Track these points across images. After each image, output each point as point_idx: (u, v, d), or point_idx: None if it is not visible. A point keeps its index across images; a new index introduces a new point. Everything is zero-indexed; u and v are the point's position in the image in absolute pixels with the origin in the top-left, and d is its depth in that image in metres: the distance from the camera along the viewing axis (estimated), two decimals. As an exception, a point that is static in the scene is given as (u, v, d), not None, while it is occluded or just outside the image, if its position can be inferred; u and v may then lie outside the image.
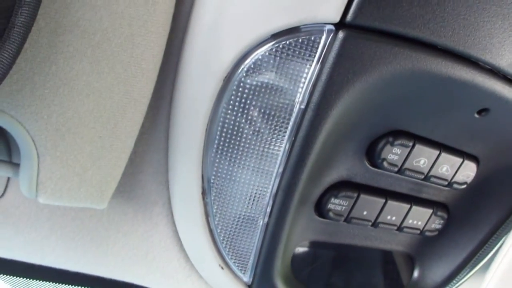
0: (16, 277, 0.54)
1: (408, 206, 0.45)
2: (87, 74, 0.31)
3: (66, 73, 0.31)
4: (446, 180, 0.44)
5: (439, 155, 0.42)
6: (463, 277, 0.52)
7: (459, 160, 0.43)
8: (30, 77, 0.30)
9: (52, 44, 0.29)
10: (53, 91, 0.31)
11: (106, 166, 0.36)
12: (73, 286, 0.56)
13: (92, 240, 0.44)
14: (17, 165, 0.36)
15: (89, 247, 0.44)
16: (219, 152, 0.37)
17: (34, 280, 0.56)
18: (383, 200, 0.44)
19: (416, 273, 0.53)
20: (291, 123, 0.35)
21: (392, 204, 0.44)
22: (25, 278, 0.55)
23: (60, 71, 0.30)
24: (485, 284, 0.52)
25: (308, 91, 0.33)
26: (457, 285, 0.53)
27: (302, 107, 0.34)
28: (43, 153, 0.33)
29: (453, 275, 0.52)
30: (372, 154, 0.41)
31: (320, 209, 0.43)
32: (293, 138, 0.35)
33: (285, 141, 0.36)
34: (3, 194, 0.41)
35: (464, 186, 0.46)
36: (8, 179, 0.41)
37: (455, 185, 0.45)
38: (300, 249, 0.47)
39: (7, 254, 0.45)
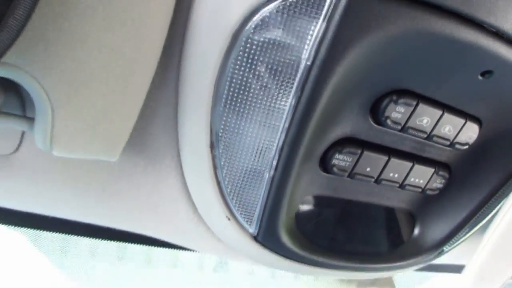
0: (29, 228, 0.56)
1: (411, 164, 0.47)
2: (99, 30, 0.32)
3: (79, 29, 0.32)
4: (448, 140, 0.45)
5: (442, 115, 0.42)
6: (462, 236, 0.54)
7: (462, 121, 0.44)
8: (44, 34, 0.31)
9: (64, 1, 0.30)
10: (66, 47, 0.32)
11: (117, 119, 0.37)
12: (84, 236, 0.59)
13: (104, 192, 0.45)
14: (31, 119, 0.37)
15: (101, 199, 0.46)
16: (227, 106, 0.38)
17: (47, 232, 0.58)
18: (386, 157, 0.45)
19: (416, 231, 0.55)
20: (297, 79, 0.36)
21: (394, 161, 0.45)
22: (37, 230, 0.57)
23: (73, 28, 0.31)
24: (483, 244, 0.54)
25: (314, 48, 0.34)
26: (456, 243, 0.55)
27: (308, 63, 0.35)
28: (57, 107, 0.34)
29: (452, 234, 0.53)
30: (376, 112, 0.42)
31: (325, 164, 0.44)
32: (299, 94, 0.36)
33: (291, 97, 0.37)
34: (17, 149, 0.42)
35: (466, 147, 0.47)
36: (22, 134, 0.43)
37: (457, 146, 0.46)
38: (305, 205, 0.49)
39: (21, 207, 0.47)
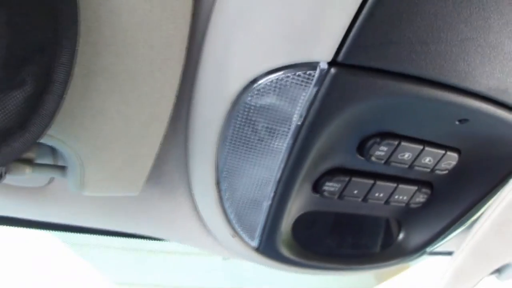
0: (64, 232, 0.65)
1: (395, 185, 0.52)
2: (117, 104, 0.38)
3: (99, 105, 0.37)
4: (428, 168, 0.50)
5: (422, 149, 0.47)
6: (443, 240, 0.60)
7: (442, 152, 0.49)
8: (71, 111, 0.37)
9: (86, 84, 0.36)
10: (90, 119, 0.38)
11: (137, 165, 0.43)
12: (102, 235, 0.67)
13: (127, 213, 0.53)
14: (63, 168, 0.44)
15: (125, 218, 0.53)
16: (230, 152, 0.44)
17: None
18: (372, 182, 0.51)
19: (401, 235, 0.61)
20: (290, 134, 0.41)
21: (379, 184, 0.51)
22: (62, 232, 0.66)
23: (95, 104, 0.37)
24: (465, 242, 0.60)
25: (304, 112, 0.39)
26: (437, 245, 0.61)
27: (299, 123, 0.40)
28: (85, 164, 0.40)
29: (434, 239, 0.60)
30: (361, 150, 0.47)
31: (317, 189, 0.50)
32: (292, 144, 0.42)
33: (285, 146, 0.42)
34: (50, 182, 0.49)
35: (446, 172, 0.52)
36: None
37: (437, 171, 0.51)
38: (300, 217, 0.55)
39: (57, 221, 0.54)
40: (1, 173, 0.41)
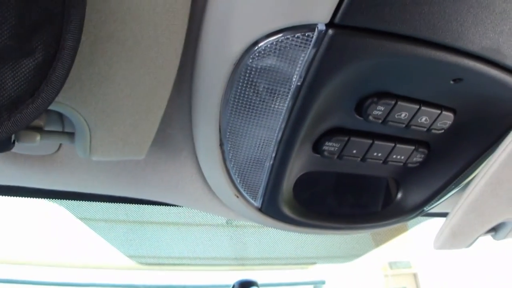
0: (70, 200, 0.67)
1: (392, 145, 0.54)
2: (123, 69, 0.39)
3: (106, 71, 0.39)
4: (425, 127, 0.51)
5: (418, 109, 0.49)
6: (440, 199, 0.62)
7: (437, 111, 0.50)
8: (79, 77, 0.38)
9: (94, 51, 0.37)
10: (97, 85, 0.39)
11: (142, 129, 0.45)
12: (110, 202, 0.69)
13: (133, 177, 0.55)
14: (71, 134, 0.45)
15: (131, 182, 0.55)
16: (233, 114, 0.45)
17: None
18: (370, 141, 0.52)
19: (399, 194, 0.63)
20: (290, 95, 0.43)
21: (378, 143, 0.53)
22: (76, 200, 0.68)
23: (102, 70, 0.38)
24: (460, 203, 0.62)
25: (304, 73, 0.40)
26: (434, 205, 0.63)
27: (299, 84, 0.41)
28: (93, 129, 0.42)
29: (431, 198, 0.62)
30: (359, 110, 0.48)
31: (317, 149, 0.52)
32: (292, 104, 0.43)
33: (285, 106, 0.44)
34: (58, 149, 0.51)
35: (442, 131, 0.53)
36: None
37: (433, 131, 0.53)
38: (301, 178, 0.57)
39: (65, 188, 0.56)
40: (12, 140, 0.43)
